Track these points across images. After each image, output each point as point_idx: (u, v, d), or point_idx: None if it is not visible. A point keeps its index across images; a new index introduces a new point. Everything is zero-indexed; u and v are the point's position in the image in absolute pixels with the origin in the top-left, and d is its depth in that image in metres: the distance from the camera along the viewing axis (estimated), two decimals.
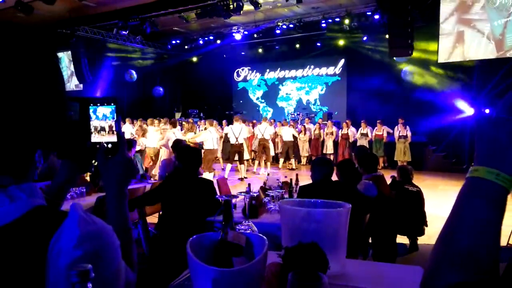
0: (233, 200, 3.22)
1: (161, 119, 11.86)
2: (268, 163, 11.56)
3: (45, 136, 0.72)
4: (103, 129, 0.96)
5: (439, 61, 12.56)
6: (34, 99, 0.68)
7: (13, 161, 0.68)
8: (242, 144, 10.36)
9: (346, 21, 13.77)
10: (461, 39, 12.13)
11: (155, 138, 9.93)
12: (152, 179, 6.35)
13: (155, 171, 8.90)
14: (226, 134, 11.41)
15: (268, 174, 10.17)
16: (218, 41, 16.72)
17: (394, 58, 12.69)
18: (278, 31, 15.29)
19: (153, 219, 4.76)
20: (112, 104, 0.96)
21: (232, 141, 10.39)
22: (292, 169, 12.01)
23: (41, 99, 0.69)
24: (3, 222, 0.64)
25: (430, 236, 4.83)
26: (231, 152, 10.50)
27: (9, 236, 0.63)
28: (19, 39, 0.69)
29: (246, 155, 10.68)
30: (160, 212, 4.13)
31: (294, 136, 12.46)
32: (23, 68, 0.67)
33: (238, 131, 10.40)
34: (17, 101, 0.66)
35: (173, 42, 17.82)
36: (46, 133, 0.71)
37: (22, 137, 0.68)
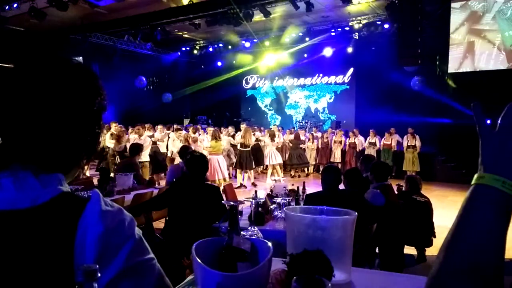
0: (240, 207, 3.22)
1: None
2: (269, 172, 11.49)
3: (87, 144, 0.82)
4: None
5: (449, 71, 12.51)
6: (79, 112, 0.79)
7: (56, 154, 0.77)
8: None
9: (356, 30, 13.80)
10: (471, 50, 12.08)
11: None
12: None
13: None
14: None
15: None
16: (229, 47, 16.85)
17: (404, 67, 12.66)
18: (287, 39, 15.37)
19: (159, 224, 4.77)
20: None
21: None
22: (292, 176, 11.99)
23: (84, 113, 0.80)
24: (35, 203, 0.72)
25: (438, 247, 4.74)
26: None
27: (40, 216, 0.71)
28: (69, 69, 0.80)
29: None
30: (166, 218, 4.14)
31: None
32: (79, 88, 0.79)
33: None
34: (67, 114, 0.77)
35: (183, 49, 18.01)
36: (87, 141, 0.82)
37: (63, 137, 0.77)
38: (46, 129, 0.74)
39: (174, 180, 4.85)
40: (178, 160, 8.46)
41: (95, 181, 5.67)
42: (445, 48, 12.40)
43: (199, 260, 0.88)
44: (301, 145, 12.47)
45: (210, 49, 17.41)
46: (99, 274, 0.58)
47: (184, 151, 6.15)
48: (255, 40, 15.80)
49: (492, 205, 0.59)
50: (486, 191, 0.60)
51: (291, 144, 12.37)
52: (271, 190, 4.56)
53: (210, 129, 10.72)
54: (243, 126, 11.40)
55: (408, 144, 11.74)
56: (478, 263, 0.57)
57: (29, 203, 0.71)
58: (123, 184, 5.12)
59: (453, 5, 12.16)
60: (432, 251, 4.85)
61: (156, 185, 5.73)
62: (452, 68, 12.42)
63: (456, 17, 12.17)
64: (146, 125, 11.74)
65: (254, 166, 10.48)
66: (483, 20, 11.80)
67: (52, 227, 0.70)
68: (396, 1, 11.10)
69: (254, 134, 10.90)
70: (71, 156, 0.80)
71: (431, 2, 11.81)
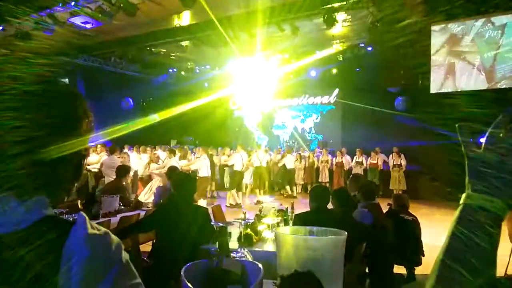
0: (228, 228, 3.19)
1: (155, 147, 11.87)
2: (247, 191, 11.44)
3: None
4: None
5: (431, 91, 12.80)
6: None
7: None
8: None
9: (340, 52, 14.11)
10: (452, 71, 12.42)
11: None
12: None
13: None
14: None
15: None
16: (216, 69, 16.98)
17: (387, 88, 12.94)
18: (274, 61, 15.60)
19: (146, 247, 4.67)
20: None
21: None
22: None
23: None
24: (17, 228, 0.69)
25: (427, 266, 4.76)
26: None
27: (22, 240, 0.68)
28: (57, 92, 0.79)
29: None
30: (154, 240, 4.07)
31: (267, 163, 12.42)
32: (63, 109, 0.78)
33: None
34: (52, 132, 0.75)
35: (170, 70, 18.09)
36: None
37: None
38: (31, 152, 0.73)
39: (161, 201, 4.79)
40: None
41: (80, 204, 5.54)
42: (427, 69, 12.72)
43: (189, 284, 0.87)
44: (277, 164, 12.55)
45: (197, 70, 17.54)
46: None
47: (172, 172, 6.10)
48: (241, 62, 15.96)
49: (481, 223, 0.60)
50: (474, 211, 0.61)
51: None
52: (260, 211, 4.53)
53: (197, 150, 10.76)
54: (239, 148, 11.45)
55: (394, 163, 11.87)
56: (470, 281, 0.57)
57: (12, 227, 0.69)
58: (109, 206, 5.03)
59: (433, 28, 12.55)
60: (421, 270, 4.85)
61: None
62: (434, 88, 12.71)
63: (436, 40, 12.56)
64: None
65: (230, 187, 10.46)
66: (463, 42, 12.19)
67: (35, 252, 0.67)
68: (378, 24, 11.41)
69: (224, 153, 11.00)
70: (56, 179, 0.78)
71: (411, 25, 12.17)
